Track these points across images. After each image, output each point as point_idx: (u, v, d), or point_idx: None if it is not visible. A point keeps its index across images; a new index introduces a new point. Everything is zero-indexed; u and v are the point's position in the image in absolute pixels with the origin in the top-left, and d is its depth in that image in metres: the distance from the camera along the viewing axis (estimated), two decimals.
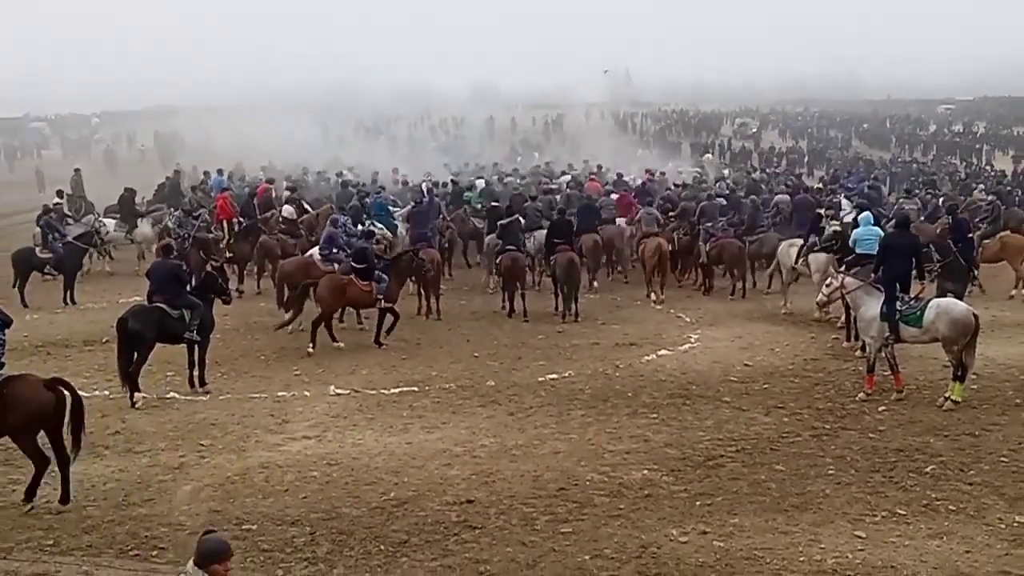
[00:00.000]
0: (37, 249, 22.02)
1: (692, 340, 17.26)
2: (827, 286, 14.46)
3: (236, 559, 8.95)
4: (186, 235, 22.23)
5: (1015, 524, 9.44)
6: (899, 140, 60.51)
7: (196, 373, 14.50)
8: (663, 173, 35.89)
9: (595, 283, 22.06)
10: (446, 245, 23.47)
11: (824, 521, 9.60)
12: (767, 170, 39.56)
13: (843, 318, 16.73)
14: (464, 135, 60.55)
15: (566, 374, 15.12)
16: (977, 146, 55.52)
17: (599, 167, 35.82)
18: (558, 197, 25.98)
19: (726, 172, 38.36)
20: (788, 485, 10.53)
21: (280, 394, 14.27)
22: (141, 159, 48.44)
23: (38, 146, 63.07)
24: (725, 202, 23.01)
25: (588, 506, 10.07)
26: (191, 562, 5.85)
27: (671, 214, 23.30)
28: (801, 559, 8.81)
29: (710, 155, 52.20)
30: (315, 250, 19.10)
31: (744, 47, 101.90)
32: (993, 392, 13.67)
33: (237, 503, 10.31)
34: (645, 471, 10.98)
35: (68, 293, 21.44)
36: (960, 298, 15.26)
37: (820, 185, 30.41)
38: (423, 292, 19.60)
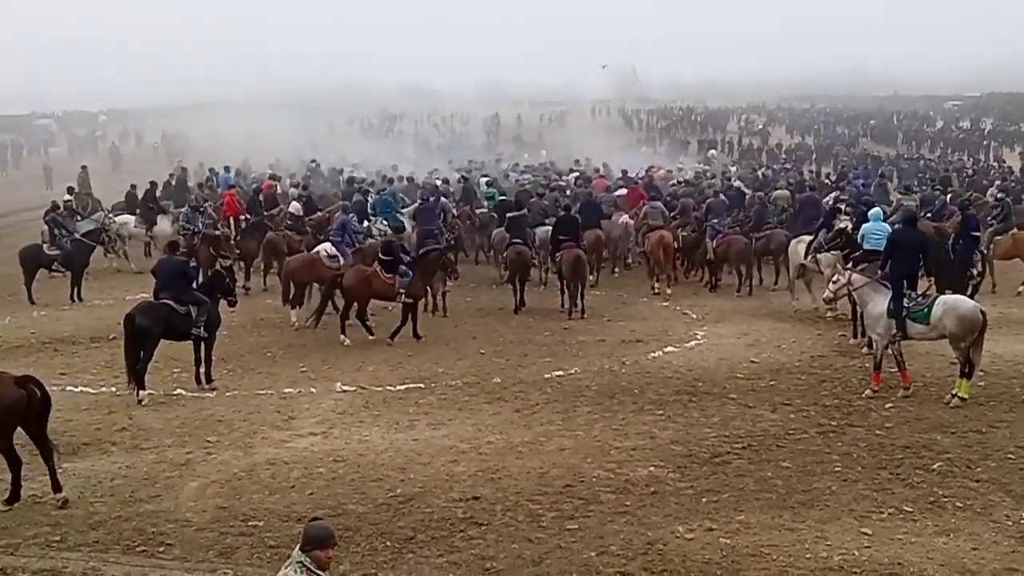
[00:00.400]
0: (45, 246, 22.06)
1: (698, 337, 17.25)
2: (834, 282, 14.43)
3: (242, 555, 9.09)
4: (194, 231, 22.25)
5: (1022, 521, 9.41)
6: (906, 137, 60.35)
7: (203, 370, 14.53)
8: (670, 171, 35.96)
9: (592, 276, 21.99)
10: (452, 242, 23.44)
11: (830, 518, 9.58)
12: (773, 166, 39.45)
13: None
14: (469, 132, 60.61)
15: (572, 371, 15.12)
16: (985, 143, 55.33)
17: (604, 164, 35.86)
18: (568, 193, 26.01)
19: (734, 169, 38.30)
20: (794, 482, 10.51)
21: (286, 391, 14.29)
22: (154, 155, 48.49)
23: (45, 143, 63.20)
24: (727, 200, 23.00)
25: (594, 503, 10.06)
26: (297, 547, 5.95)
27: (674, 213, 23.24)
28: (807, 556, 8.80)
29: (715, 151, 52.13)
30: (321, 247, 19.10)
31: (750, 44, 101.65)
32: (1000, 389, 13.62)
33: (244, 499, 10.33)
34: (651, 468, 10.97)
35: (75, 290, 21.49)
36: (964, 294, 15.19)
37: (828, 182, 30.30)
38: (429, 289, 19.60)
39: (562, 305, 19.41)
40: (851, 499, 10.02)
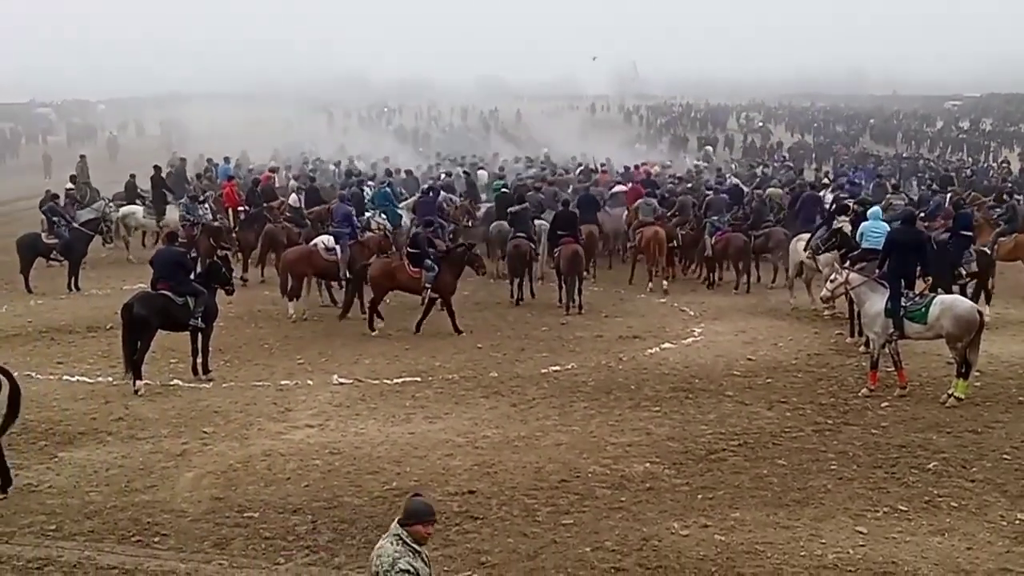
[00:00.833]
0: (43, 235, 22.03)
1: (695, 334, 17.25)
2: (831, 281, 14.42)
3: (237, 546, 9.08)
4: (194, 221, 22.23)
5: (1017, 521, 9.42)
6: (906, 136, 60.33)
7: (199, 360, 14.52)
8: (667, 165, 36.01)
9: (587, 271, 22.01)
10: (450, 237, 23.44)
11: (825, 516, 9.59)
12: (773, 164, 39.43)
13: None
14: (468, 126, 60.55)
15: (569, 366, 15.12)
16: (985, 143, 55.29)
17: (607, 159, 35.97)
18: (570, 189, 26.05)
19: (734, 166, 38.31)
20: (790, 480, 10.52)
21: (283, 382, 14.29)
22: (158, 145, 48.43)
23: (44, 132, 63.08)
24: (727, 197, 23.04)
25: (590, 498, 10.07)
26: (396, 520, 5.97)
27: (672, 210, 23.23)
28: (802, 554, 8.80)
29: (711, 148, 52.15)
30: (318, 239, 19.08)
31: (750, 42, 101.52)
32: (996, 389, 13.64)
33: (239, 491, 10.33)
34: (647, 464, 10.98)
35: (73, 279, 21.45)
36: (949, 292, 15.15)
37: (827, 180, 30.30)
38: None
39: (559, 300, 19.41)
40: (846, 497, 10.02)
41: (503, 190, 23.96)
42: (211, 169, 31.87)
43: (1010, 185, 29.07)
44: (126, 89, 73.90)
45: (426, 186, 25.27)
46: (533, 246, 20.49)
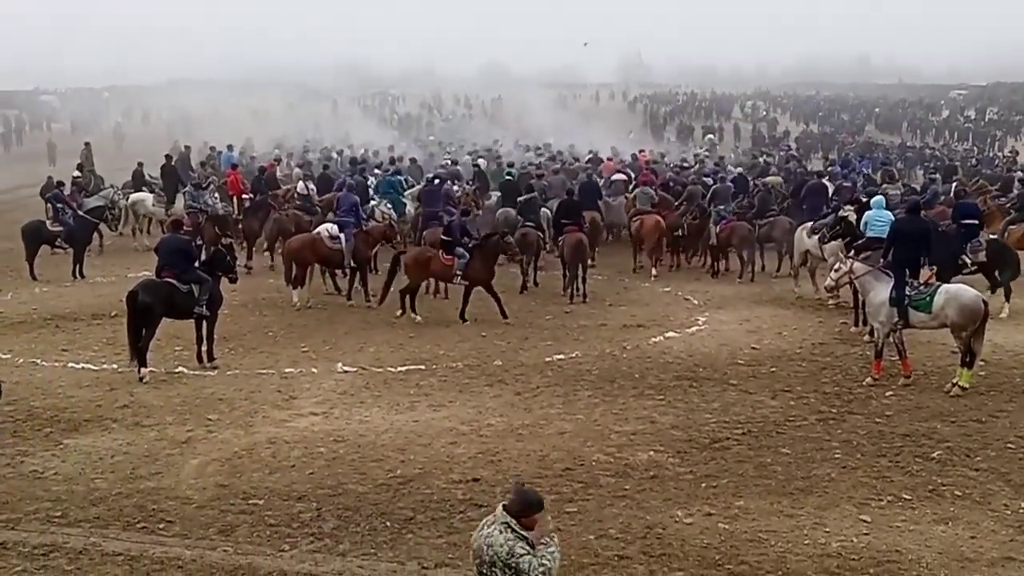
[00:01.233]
0: (47, 222, 22.02)
1: (700, 323, 17.24)
2: (835, 271, 14.37)
3: (242, 533, 9.10)
4: (199, 209, 22.21)
5: (1021, 510, 9.43)
6: (911, 125, 60.11)
7: (204, 348, 14.53)
8: (662, 154, 36.01)
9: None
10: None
11: (829, 505, 9.60)
12: (778, 153, 39.27)
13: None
14: (471, 114, 60.42)
15: (573, 355, 15.12)
16: (993, 132, 55.05)
17: (612, 148, 35.92)
18: (581, 176, 26.06)
19: (733, 156, 38.17)
20: (794, 468, 10.52)
21: (288, 370, 14.30)
22: (166, 134, 48.40)
23: (48, 120, 63.03)
24: (732, 186, 23.01)
25: (594, 486, 10.08)
26: (500, 508, 5.94)
27: (680, 199, 23.21)
28: (806, 542, 8.82)
29: (712, 136, 52.01)
30: (322, 227, 19.07)
31: (755, 29, 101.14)
32: (1001, 379, 13.61)
33: (244, 478, 10.35)
34: (651, 452, 10.99)
35: (77, 267, 21.46)
36: (950, 281, 15.13)
37: (831, 170, 30.19)
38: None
39: (564, 289, 19.40)
40: (850, 486, 10.03)
41: (508, 177, 23.98)
42: (214, 157, 31.83)
43: (1021, 173, 28.90)
44: (130, 76, 73.82)
45: (431, 175, 25.23)
46: (541, 234, 20.52)
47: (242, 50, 75.36)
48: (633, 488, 10.05)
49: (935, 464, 10.60)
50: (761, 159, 33.81)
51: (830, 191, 22.47)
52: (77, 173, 26.61)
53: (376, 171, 27.33)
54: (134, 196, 25.84)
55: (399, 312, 17.30)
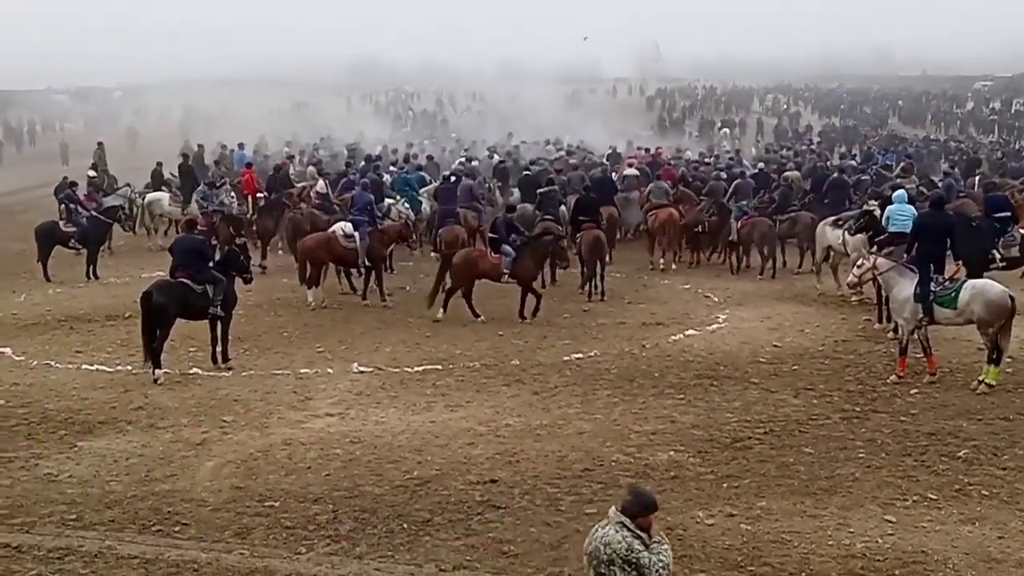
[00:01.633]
0: (61, 223, 22.01)
1: (720, 320, 17.08)
2: (858, 267, 14.22)
3: (258, 536, 9.02)
4: (214, 209, 22.17)
5: None
6: (935, 118, 59.60)
7: (219, 349, 14.47)
8: (678, 150, 35.89)
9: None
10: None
11: (853, 505, 9.47)
12: (799, 147, 38.98)
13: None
14: (487, 110, 60.23)
15: (592, 353, 14.99)
16: (1019, 124, 54.43)
17: (628, 143, 35.92)
18: (595, 171, 26.00)
19: (753, 151, 37.96)
20: (817, 468, 10.39)
21: (303, 371, 14.23)
22: (179, 132, 48.55)
23: (61, 119, 63.30)
24: (754, 182, 22.88)
25: (613, 487, 9.95)
26: (614, 509, 6.00)
27: (701, 195, 23.08)
28: (829, 543, 8.70)
29: (727, 130, 51.77)
30: (337, 226, 18.98)
31: (775, 21, 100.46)
32: None
33: (260, 480, 10.28)
34: (671, 452, 10.87)
35: (91, 267, 21.45)
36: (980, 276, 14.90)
37: (854, 163, 29.95)
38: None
39: (581, 287, 19.26)
40: (875, 486, 9.90)
41: (526, 173, 23.94)
42: (227, 156, 31.83)
43: None
44: (142, 75, 73.99)
45: (447, 172, 25.14)
46: (561, 228, 20.40)
47: (254, 48, 75.60)
48: (653, 488, 9.73)
49: (961, 463, 10.45)
50: (779, 153, 33.61)
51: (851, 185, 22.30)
52: (92, 173, 26.62)
53: (392, 168, 27.27)
54: (150, 196, 25.84)
55: (439, 314, 17.08)
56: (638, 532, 5.91)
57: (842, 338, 15.68)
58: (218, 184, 23.63)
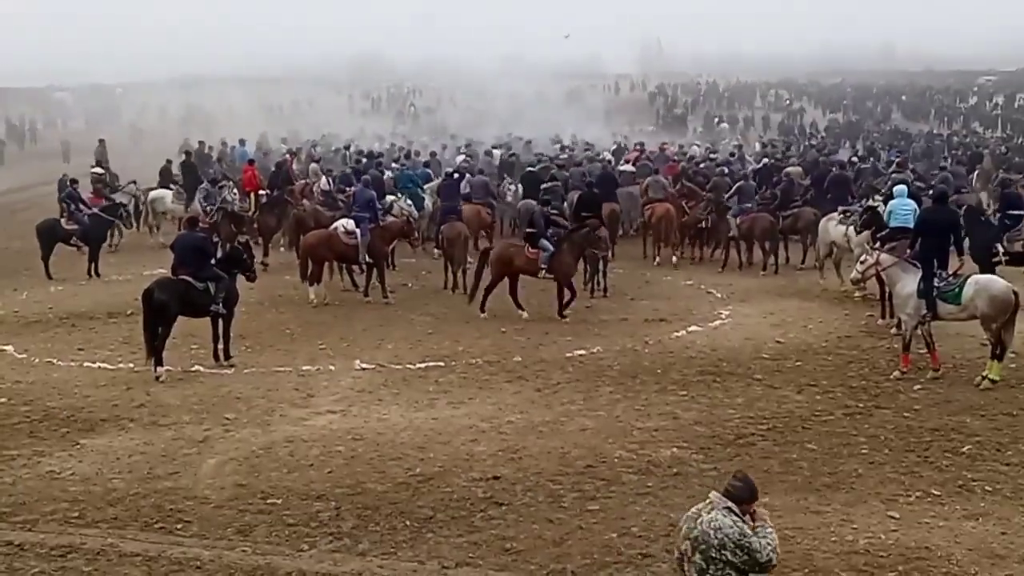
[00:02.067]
0: (62, 221, 22.00)
1: (723, 316, 17.05)
2: (862, 263, 14.18)
3: (260, 533, 9.01)
4: (215, 206, 22.15)
5: None
6: (938, 113, 59.45)
7: (221, 346, 14.45)
8: (681, 146, 35.88)
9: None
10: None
11: (857, 501, 9.45)
12: (805, 143, 38.89)
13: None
14: (488, 107, 60.18)
15: (594, 350, 14.96)
16: (1023, 119, 54.23)
17: (624, 138, 35.90)
18: (593, 165, 25.99)
19: (758, 146, 37.84)
20: (820, 464, 10.36)
21: (305, 368, 14.21)
22: (178, 130, 48.52)
23: (62, 117, 63.27)
24: (756, 182, 22.86)
25: (616, 484, 9.95)
26: (716, 494, 6.09)
27: (706, 189, 23.05)
28: (833, 539, 8.67)
29: (726, 125, 51.67)
30: (339, 223, 18.95)
31: (777, 16, 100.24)
32: None
33: (262, 477, 10.27)
34: (674, 449, 10.84)
35: (93, 265, 21.43)
36: (990, 272, 14.89)
37: (855, 159, 29.88)
38: (448, 266, 19.47)
39: (584, 283, 19.21)
40: (878, 482, 9.87)
41: (529, 169, 23.93)
42: (226, 152, 31.79)
43: None
44: (143, 73, 73.89)
45: (450, 169, 25.13)
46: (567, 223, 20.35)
47: (255, 46, 75.50)
48: (656, 485, 9.92)
49: (965, 459, 10.42)
50: (780, 149, 33.50)
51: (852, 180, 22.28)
52: (100, 170, 26.60)
53: (393, 165, 27.24)
54: (153, 193, 25.84)
55: (481, 314, 17.01)
56: (741, 517, 6.00)
57: (845, 334, 15.63)
58: (222, 183, 23.61)
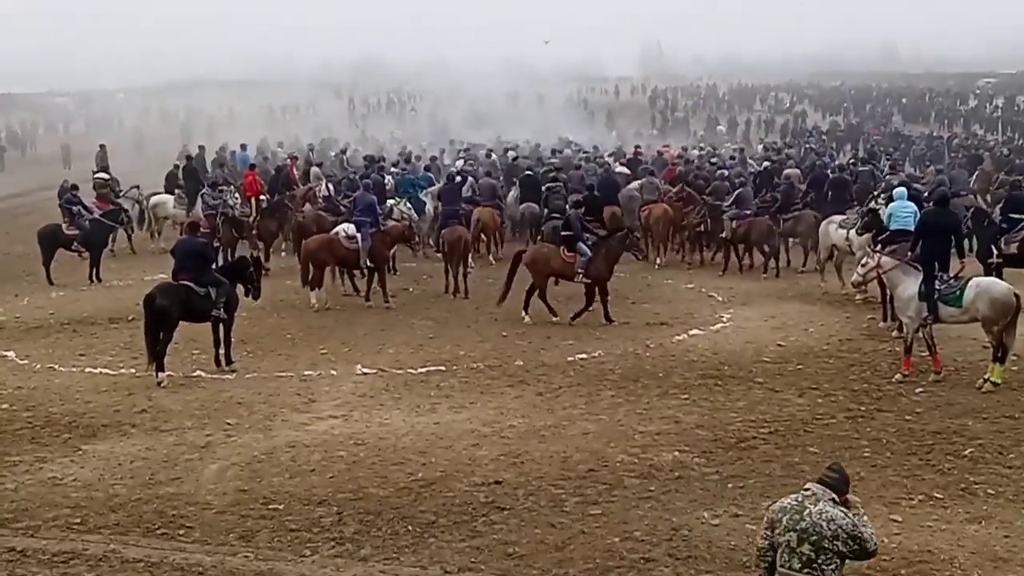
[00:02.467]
0: (63, 226, 22.00)
1: (724, 320, 17.04)
2: (863, 265, 14.16)
3: (263, 538, 9.00)
4: (219, 211, 22.14)
5: None
6: (938, 115, 59.46)
7: (222, 352, 14.45)
8: (683, 147, 35.94)
9: None
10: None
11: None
12: (806, 146, 38.88)
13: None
14: (488, 110, 60.21)
15: (596, 354, 14.95)
16: (1023, 121, 54.28)
17: (618, 141, 36.00)
18: (589, 164, 26.04)
19: (760, 148, 37.86)
20: (822, 468, 10.20)
21: (307, 373, 14.20)
22: (179, 134, 48.62)
23: (63, 122, 63.29)
24: (755, 186, 22.87)
25: (618, 488, 9.94)
26: (815, 484, 6.16)
27: (706, 192, 23.06)
28: None
29: (722, 127, 51.69)
30: (340, 227, 18.96)
31: (777, 18, 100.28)
32: None
33: (264, 482, 10.26)
34: (676, 453, 10.83)
35: (94, 270, 21.43)
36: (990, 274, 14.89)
37: (853, 161, 29.89)
38: (449, 270, 19.45)
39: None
40: (880, 485, 9.85)
41: (528, 173, 23.94)
42: (226, 158, 31.77)
43: None
44: (144, 77, 73.92)
45: (452, 172, 25.13)
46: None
47: (255, 49, 75.50)
48: (658, 489, 9.90)
49: (967, 462, 10.40)
50: (779, 151, 33.48)
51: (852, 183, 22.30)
52: (105, 176, 26.58)
53: (394, 169, 27.23)
54: (155, 198, 25.83)
55: (524, 317, 16.97)
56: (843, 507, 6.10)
57: (846, 337, 15.62)
58: (222, 187, 23.60)
